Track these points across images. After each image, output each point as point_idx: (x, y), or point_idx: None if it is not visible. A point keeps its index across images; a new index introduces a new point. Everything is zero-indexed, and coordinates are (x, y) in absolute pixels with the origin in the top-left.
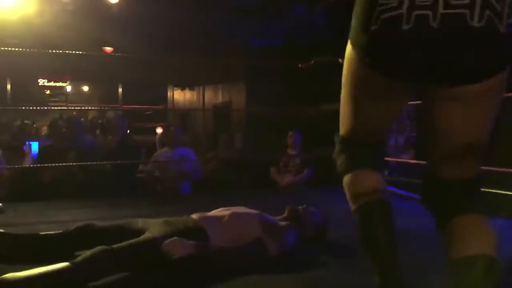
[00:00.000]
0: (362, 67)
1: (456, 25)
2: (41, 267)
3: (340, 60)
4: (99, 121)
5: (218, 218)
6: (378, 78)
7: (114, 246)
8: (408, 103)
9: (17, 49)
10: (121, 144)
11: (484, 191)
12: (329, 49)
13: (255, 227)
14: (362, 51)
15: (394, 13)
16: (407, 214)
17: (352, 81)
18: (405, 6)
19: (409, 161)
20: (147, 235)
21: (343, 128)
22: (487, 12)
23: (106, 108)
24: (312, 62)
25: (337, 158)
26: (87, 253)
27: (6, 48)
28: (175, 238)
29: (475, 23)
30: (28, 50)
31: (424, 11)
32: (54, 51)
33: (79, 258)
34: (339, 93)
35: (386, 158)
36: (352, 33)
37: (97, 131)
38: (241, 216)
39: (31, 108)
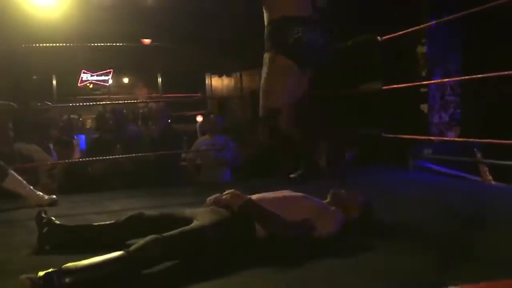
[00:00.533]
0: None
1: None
2: (98, 256)
3: (378, 38)
4: (141, 111)
5: (264, 200)
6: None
7: (165, 234)
8: (454, 79)
9: (60, 44)
10: (164, 134)
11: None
12: (368, 25)
13: (302, 209)
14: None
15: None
16: (450, 191)
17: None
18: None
19: (454, 139)
20: (196, 223)
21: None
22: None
23: (148, 100)
24: (350, 43)
25: None
26: (140, 242)
27: (49, 44)
28: (233, 190)
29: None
30: (70, 45)
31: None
32: (94, 44)
33: (132, 247)
34: (380, 72)
35: (431, 137)
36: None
37: (139, 122)
38: (288, 199)
39: (77, 104)
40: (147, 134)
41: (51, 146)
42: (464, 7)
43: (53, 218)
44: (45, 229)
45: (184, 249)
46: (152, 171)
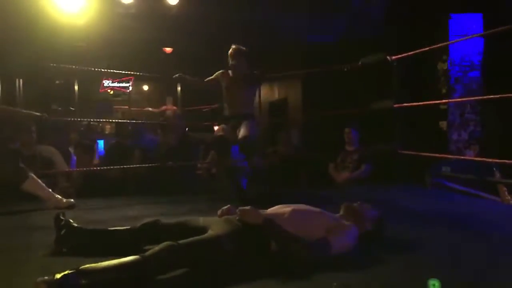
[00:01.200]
0: None
1: None
2: (114, 259)
3: (388, 57)
4: (160, 119)
5: (279, 216)
6: None
7: (180, 242)
8: (473, 98)
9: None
10: (181, 142)
11: None
12: (386, 43)
13: (318, 225)
14: None
15: None
16: (467, 210)
17: None
18: None
19: (473, 158)
20: (211, 233)
21: None
22: None
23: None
24: (360, 63)
25: None
26: (156, 248)
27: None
28: (250, 207)
29: None
30: (93, 69)
31: None
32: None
33: (148, 252)
34: (393, 90)
35: (449, 156)
36: None
37: (158, 130)
38: (303, 213)
39: (96, 119)
40: (164, 142)
41: (71, 149)
42: (487, 26)
43: (71, 221)
44: (62, 231)
45: (198, 258)
46: (168, 179)
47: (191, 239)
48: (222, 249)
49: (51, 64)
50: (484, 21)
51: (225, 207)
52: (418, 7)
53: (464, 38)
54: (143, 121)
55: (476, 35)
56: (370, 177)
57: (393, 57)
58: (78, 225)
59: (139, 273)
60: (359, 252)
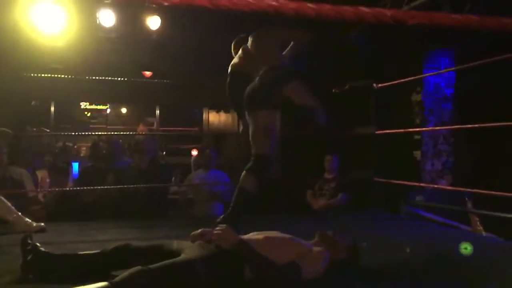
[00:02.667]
0: None
1: None
2: (81, 286)
3: (374, 84)
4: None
5: (252, 242)
6: None
7: (151, 266)
8: (446, 127)
9: (61, 75)
10: (152, 166)
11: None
12: (365, 72)
13: (289, 252)
14: None
15: None
16: (439, 240)
17: None
18: None
19: (445, 187)
20: (183, 256)
21: None
22: None
23: (142, 132)
24: (346, 87)
25: None
26: (125, 273)
27: (50, 75)
28: (226, 226)
29: None
30: (70, 76)
31: None
32: (95, 77)
33: (117, 278)
34: (373, 116)
35: (423, 184)
36: None
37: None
38: (275, 240)
39: (73, 133)
40: (135, 165)
41: (46, 172)
42: (458, 61)
43: (38, 245)
44: (29, 257)
45: (170, 283)
46: (140, 203)
47: (162, 263)
48: (195, 273)
49: (32, 74)
50: (455, 56)
51: (197, 231)
52: (393, 40)
53: (437, 72)
54: (117, 142)
55: (448, 69)
56: (346, 205)
57: (379, 85)
58: (46, 250)
59: None
60: (332, 280)
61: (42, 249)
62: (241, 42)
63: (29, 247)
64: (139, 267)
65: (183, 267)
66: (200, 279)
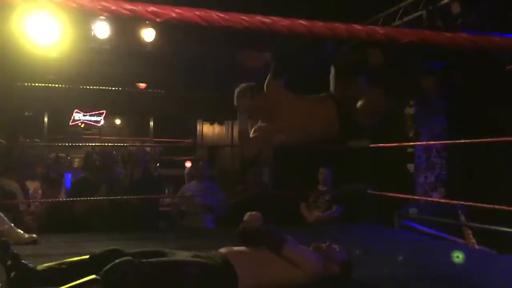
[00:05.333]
0: None
1: None
2: (69, 284)
3: None
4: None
5: (246, 254)
6: None
7: (142, 260)
8: (440, 142)
9: (55, 85)
10: (143, 177)
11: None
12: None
13: (283, 263)
14: None
15: None
16: (432, 253)
17: None
18: None
19: (439, 200)
20: (176, 257)
21: None
22: None
23: (137, 143)
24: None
25: None
26: (112, 263)
27: (44, 84)
28: (256, 213)
29: None
30: (64, 86)
31: None
32: (89, 87)
33: (105, 268)
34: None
35: (416, 197)
36: None
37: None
38: (269, 252)
39: (67, 144)
40: (127, 176)
41: (39, 183)
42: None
43: (20, 258)
44: (12, 274)
45: (159, 278)
46: (132, 215)
47: (153, 259)
48: (184, 273)
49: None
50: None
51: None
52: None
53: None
54: (110, 153)
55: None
56: (340, 217)
57: None
58: (29, 265)
59: None
60: None
61: (24, 262)
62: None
63: (9, 261)
64: (128, 258)
65: (173, 265)
66: (189, 281)
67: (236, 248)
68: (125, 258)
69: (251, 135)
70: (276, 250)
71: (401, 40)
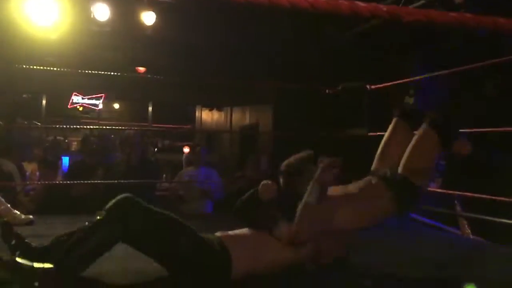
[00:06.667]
0: None
1: None
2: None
3: (368, 86)
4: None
5: (241, 238)
6: None
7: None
8: None
9: (53, 68)
10: (140, 162)
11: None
12: (357, 74)
13: (277, 245)
14: None
15: None
16: (427, 242)
17: None
18: None
19: (435, 190)
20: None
21: None
22: None
23: (135, 127)
24: (340, 88)
25: None
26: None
27: (42, 68)
28: (272, 183)
29: None
30: (63, 69)
31: None
32: (88, 71)
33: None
34: (366, 118)
35: None
36: None
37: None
38: (265, 235)
39: (65, 126)
40: (123, 160)
41: (36, 165)
42: (451, 63)
43: (23, 238)
44: (17, 253)
45: (158, 226)
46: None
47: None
48: (180, 238)
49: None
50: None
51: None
52: (388, 43)
53: (430, 75)
54: (108, 137)
55: (440, 72)
56: None
57: (372, 86)
58: (35, 246)
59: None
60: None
61: (28, 242)
62: None
63: (14, 241)
64: (127, 194)
65: (177, 225)
66: (181, 245)
67: (231, 232)
68: (124, 195)
69: None
70: (268, 231)
71: (404, 19)
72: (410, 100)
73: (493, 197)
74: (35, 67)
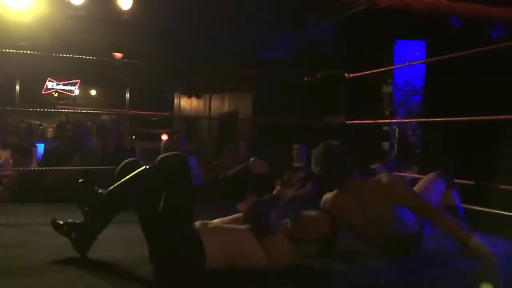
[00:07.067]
0: None
1: None
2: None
3: (346, 74)
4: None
5: (219, 231)
6: None
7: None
8: (412, 120)
9: (27, 52)
10: (116, 149)
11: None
12: (337, 62)
13: (250, 239)
14: None
15: None
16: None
17: None
18: None
19: (412, 175)
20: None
21: None
22: None
23: (112, 112)
24: (318, 76)
25: None
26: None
27: (15, 51)
28: (264, 162)
29: None
30: (37, 53)
31: None
32: (63, 55)
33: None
34: (344, 106)
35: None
36: None
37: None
38: (240, 227)
39: (38, 109)
40: (99, 147)
41: (9, 152)
42: (429, 54)
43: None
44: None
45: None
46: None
47: None
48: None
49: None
50: (426, 49)
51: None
52: (366, 31)
53: (408, 64)
54: (84, 124)
55: (419, 62)
56: (315, 195)
57: (351, 75)
58: None
59: None
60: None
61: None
62: None
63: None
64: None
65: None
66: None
67: (210, 225)
68: (174, 152)
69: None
70: (260, 235)
71: (381, 4)
72: (387, 89)
73: (470, 183)
74: (7, 50)
